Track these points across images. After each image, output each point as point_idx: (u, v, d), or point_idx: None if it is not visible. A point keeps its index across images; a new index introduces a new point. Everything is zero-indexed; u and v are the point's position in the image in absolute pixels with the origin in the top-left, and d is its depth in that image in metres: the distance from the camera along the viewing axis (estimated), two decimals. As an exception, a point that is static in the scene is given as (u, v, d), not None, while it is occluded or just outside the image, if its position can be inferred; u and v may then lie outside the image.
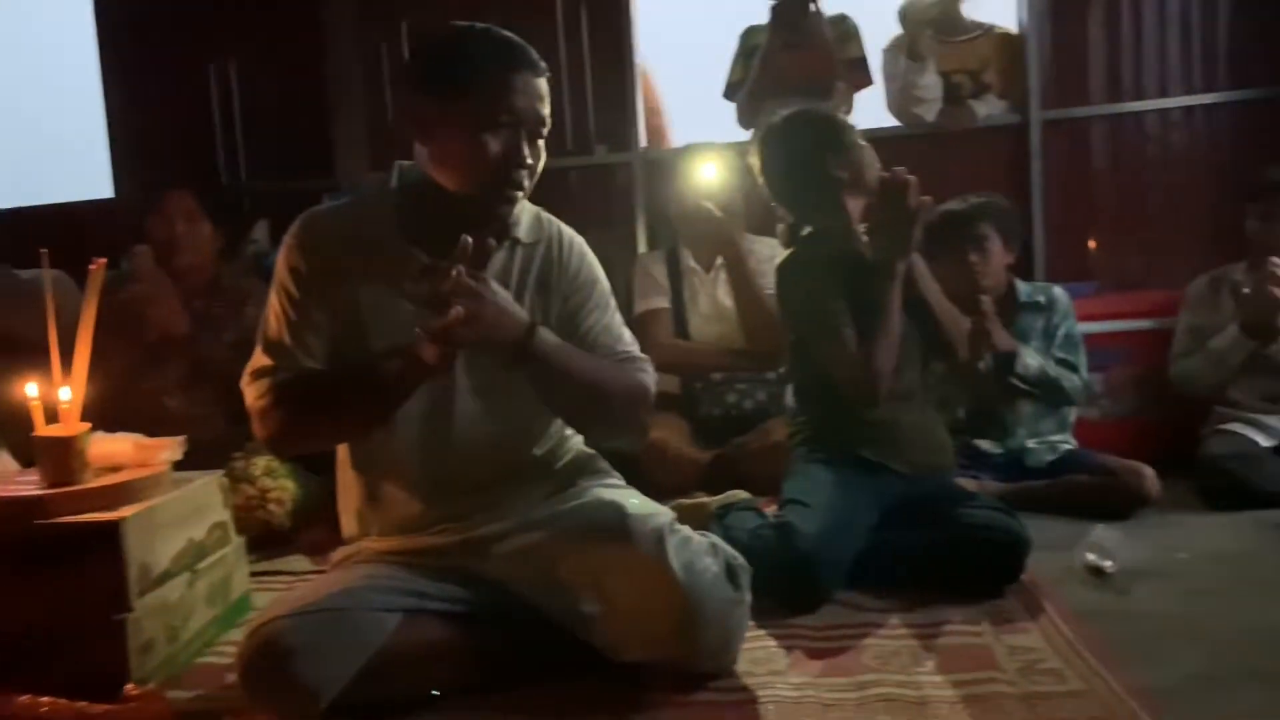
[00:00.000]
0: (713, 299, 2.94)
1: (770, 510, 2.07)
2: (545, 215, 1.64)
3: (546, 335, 1.45)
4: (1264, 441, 2.49)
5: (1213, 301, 2.66)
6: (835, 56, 3.25)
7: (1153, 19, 3.26)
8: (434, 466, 1.55)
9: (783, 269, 2.13)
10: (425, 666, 1.47)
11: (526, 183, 1.48)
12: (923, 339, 2.05)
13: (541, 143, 1.49)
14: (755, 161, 2.12)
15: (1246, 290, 2.47)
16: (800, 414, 2.26)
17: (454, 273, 1.30)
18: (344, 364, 1.48)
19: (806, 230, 2.13)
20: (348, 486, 1.63)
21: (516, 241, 1.57)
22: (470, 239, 1.32)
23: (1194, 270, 2.79)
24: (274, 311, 1.50)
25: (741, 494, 2.25)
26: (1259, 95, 3.18)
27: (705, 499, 2.25)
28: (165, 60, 3.66)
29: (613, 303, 1.66)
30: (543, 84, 1.46)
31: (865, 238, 1.94)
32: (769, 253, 2.85)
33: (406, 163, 1.57)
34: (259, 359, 1.49)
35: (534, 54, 1.47)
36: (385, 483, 1.58)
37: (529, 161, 1.45)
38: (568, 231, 1.65)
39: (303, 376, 1.46)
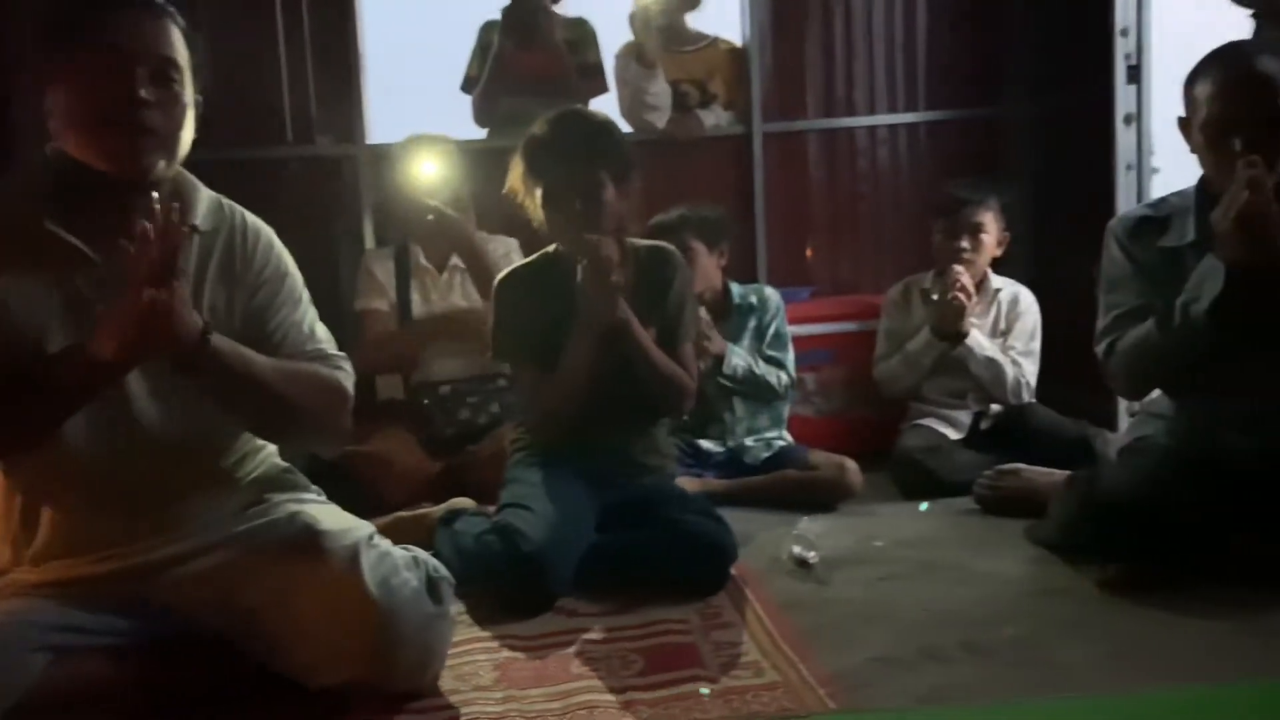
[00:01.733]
0: (446, 300, 2.85)
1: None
2: (227, 202, 1.53)
3: (221, 340, 1.34)
4: (952, 434, 2.74)
5: (906, 307, 2.89)
6: (567, 59, 3.27)
7: (862, 39, 3.51)
8: (102, 482, 1.40)
9: (498, 286, 2.14)
10: (84, 710, 1.33)
11: (156, 124, 1.34)
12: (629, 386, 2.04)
13: (179, 88, 1.37)
14: (515, 163, 2.06)
15: (935, 297, 2.71)
16: (521, 421, 2.26)
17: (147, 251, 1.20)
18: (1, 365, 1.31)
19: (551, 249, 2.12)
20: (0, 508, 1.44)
21: (194, 229, 1.45)
22: (145, 225, 1.22)
23: (900, 276, 3.03)
24: None
25: (466, 502, 2.24)
26: (954, 116, 3.51)
27: (427, 509, 2.20)
28: None
29: (305, 296, 1.57)
30: (155, 21, 1.36)
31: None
32: (504, 250, 2.81)
33: (53, 143, 1.41)
34: None
35: None
36: (44, 502, 1.41)
37: (144, 96, 1.32)
38: (252, 220, 1.55)
39: None
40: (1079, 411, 2.71)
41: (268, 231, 1.55)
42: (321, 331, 1.57)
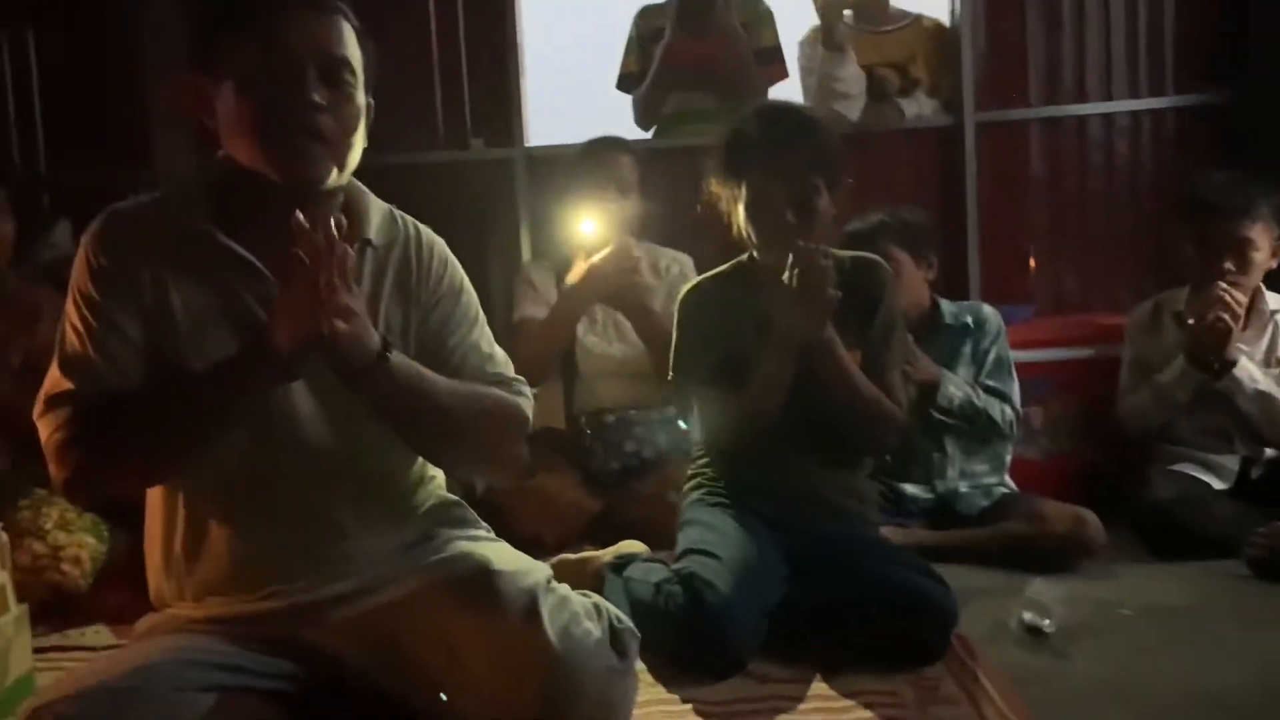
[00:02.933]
0: (612, 317, 2.90)
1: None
2: (399, 213, 1.62)
3: (399, 358, 1.42)
4: (1215, 483, 2.61)
5: (1155, 331, 2.77)
6: (745, 43, 3.30)
7: (1096, 14, 3.41)
8: (265, 511, 1.50)
9: (683, 300, 2.18)
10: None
11: (328, 129, 1.43)
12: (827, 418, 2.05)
13: (353, 90, 1.46)
14: (714, 164, 2.12)
15: (1191, 321, 2.58)
16: (698, 454, 2.28)
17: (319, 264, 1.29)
18: (161, 378, 1.43)
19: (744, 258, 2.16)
20: (157, 539, 1.56)
21: (367, 243, 1.54)
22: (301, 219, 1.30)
23: (1139, 292, 2.91)
24: (71, 323, 1.45)
25: (637, 545, 2.27)
26: (1211, 100, 3.36)
27: (593, 553, 2.25)
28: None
29: (482, 316, 1.65)
30: (328, 18, 1.45)
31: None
32: (677, 269, 2.86)
33: (222, 151, 1.53)
34: (56, 382, 1.43)
35: None
36: (205, 534, 1.51)
37: (317, 100, 1.41)
38: (426, 232, 1.63)
39: (111, 399, 1.40)
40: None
41: (442, 245, 1.64)
42: (499, 353, 1.64)
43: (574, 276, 2.71)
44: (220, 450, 1.43)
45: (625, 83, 3.50)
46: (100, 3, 3.47)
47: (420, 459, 1.62)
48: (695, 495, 2.20)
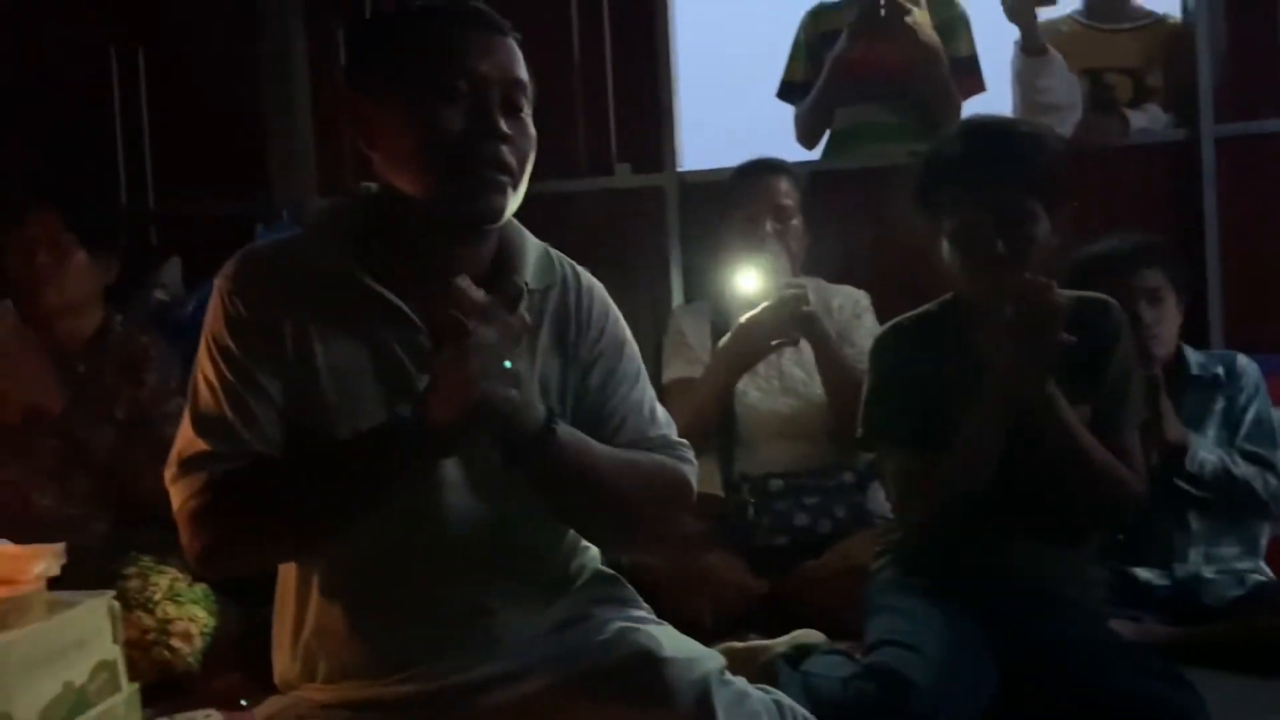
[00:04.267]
0: (777, 368, 2.93)
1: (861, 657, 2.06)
2: (555, 253, 1.67)
3: (565, 430, 1.47)
4: None
5: None
6: (939, 49, 3.29)
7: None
8: (413, 586, 1.55)
9: (877, 344, 2.20)
10: None
11: (511, 161, 1.49)
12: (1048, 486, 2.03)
13: (527, 118, 1.52)
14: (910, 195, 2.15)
15: None
16: (892, 527, 2.27)
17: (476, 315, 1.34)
18: (311, 444, 1.49)
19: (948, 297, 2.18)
20: (288, 616, 1.62)
21: (525, 287, 1.59)
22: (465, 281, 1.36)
23: None
24: (205, 379, 1.51)
25: (815, 635, 2.27)
26: None
27: (763, 642, 2.25)
28: (49, 41, 3.75)
29: (644, 372, 1.69)
30: (508, 42, 1.52)
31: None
32: (851, 308, 2.86)
33: (370, 185, 1.60)
34: (190, 443, 1.49)
35: (492, 13, 1.53)
36: (346, 609, 1.57)
37: (504, 130, 1.47)
38: (586, 276, 1.68)
39: (255, 464, 1.47)
40: None
41: (602, 290, 1.69)
42: (662, 414, 1.68)
43: (728, 338, 2.74)
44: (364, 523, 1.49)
45: (788, 92, 3.53)
46: (217, 24, 3.67)
47: (573, 535, 1.66)
48: (886, 576, 2.19)
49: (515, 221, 1.63)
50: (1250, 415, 2.62)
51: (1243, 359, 2.70)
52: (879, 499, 2.78)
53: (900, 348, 2.17)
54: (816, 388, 2.82)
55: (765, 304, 2.68)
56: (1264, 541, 2.62)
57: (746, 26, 4.10)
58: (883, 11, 3.19)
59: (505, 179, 1.49)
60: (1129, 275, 2.58)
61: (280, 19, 3.60)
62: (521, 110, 1.52)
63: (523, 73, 1.52)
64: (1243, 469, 2.54)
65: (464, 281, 1.37)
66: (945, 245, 2.08)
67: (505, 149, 1.48)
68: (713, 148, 3.70)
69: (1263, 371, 2.73)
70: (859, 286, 3.02)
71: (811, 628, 2.31)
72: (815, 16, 3.49)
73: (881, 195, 3.36)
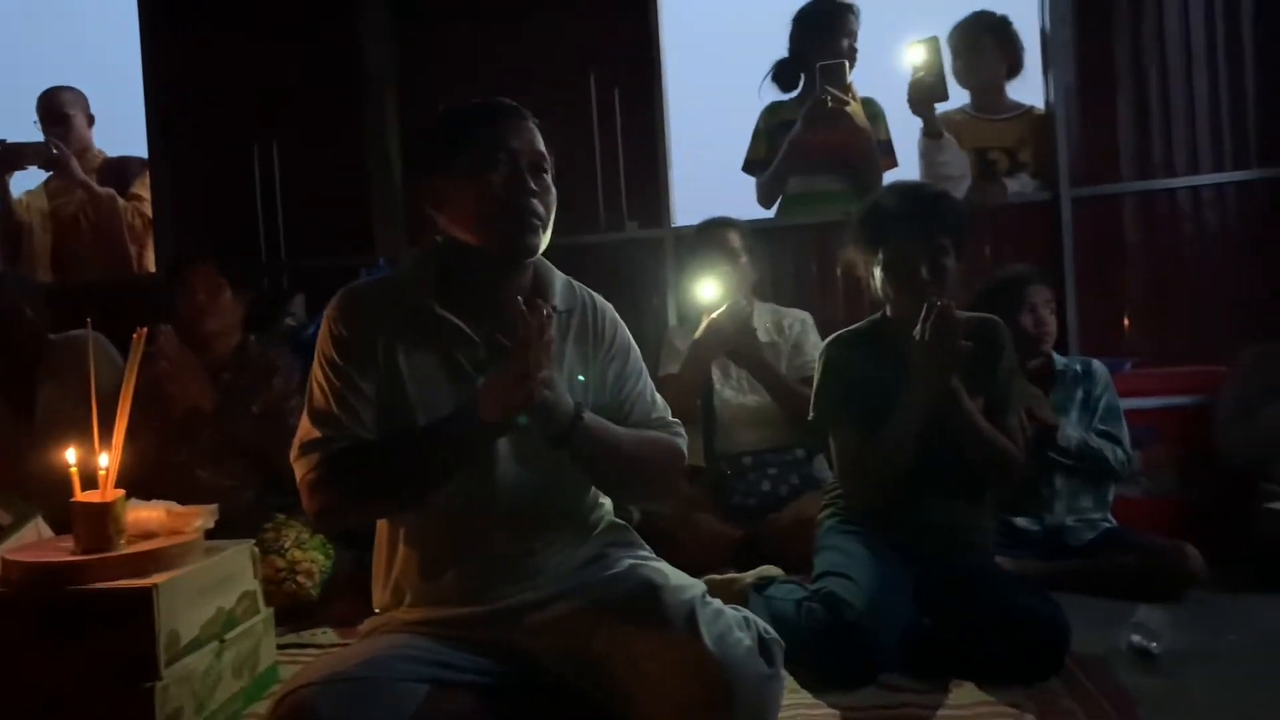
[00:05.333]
0: (739, 375, 2.89)
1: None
2: (576, 283, 1.68)
3: (591, 418, 1.50)
4: (1314, 519, 2.43)
5: (1260, 369, 2.63)
6: (871, 137, 3.29)
7: (1181, 95, 3.29)
8: (474, 534, 1.55)
9: (826, 350, 2.18)
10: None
11: (540, 210, 1.53)
12: (954, 457, 2.02)
13: (549, 179, 1.55)
14: (852, 234, 2.14)
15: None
16: (833, 487, 2.26)
17: (535, 318, 1.38)
18: (398, 431, 1.50)
19: (880, 315, 2.16)
20: (384, 557, 1.63)
21: (554, 310, 1.60)
22: (523, 303, 1.40)
23: (1228, 346, 2.77)
24: (318, 383, 1.53)
25: (775, 569, 2.24)
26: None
27: (736, 575, 2.23)
28: (211, 140, 3.78)
29: (645, 369, 1.70)
30: (531, 125, 1.55)
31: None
32: (799, 327, 2.86)
33: (440, 238, 1.61)
34: (307, 432, 1.50)
35: (518, 106, 1.57)
36: (424, 552, 1.58)
37: (534, 188, 1.51)
38: (598, 298, 1.69)
39: (356, 446, 1.48)
40: None
41: (611, 309, 1.70)
42: (660, 400, 1.69)
43: (698, 333, 2.73)
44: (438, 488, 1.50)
45: (751, 167, 3.51)
46: (331, 121, 3.69)
47: (594, 490, 1.66)
48: (829, 524, 2.17)
49: (545, 260, 1.64)
50: (1103, 404, 2.60)
51: (1096, 362, 2.68)
52: (823, 468, 2.77)
53: (842, 353, 2.16)
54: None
55: (722, 309, 2.67)
56: (1111, 498, 2.59)
57: (724, 113, 4.06)
58: (829, 104, 3.18)
59: (537, 222, 1.53)
60: (1028, 290, 2.60)
61: (381, 121, 3.62)
62: (545, 173, 1.55)
63: (543, 146, 1.56)
64: (1098, 444, 2.53)
65: (517, 306, 1.41)
66: (880, 275, 2.07)
67: (535, 201, 1.52)
68: (699, 208, 3.65)
69: (1109, 371, 2.71)
70: (806, 310, 3.00)
71: (774, 564, 2.30)
72: (772, 109, 3.48)
73: (825, 244, 3.35)
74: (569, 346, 1.61)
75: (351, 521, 1.65)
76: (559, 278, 1.65)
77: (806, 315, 2.94)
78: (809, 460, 2.83)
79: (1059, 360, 2.64)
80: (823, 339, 2.31)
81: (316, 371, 1.54)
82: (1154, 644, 1.87)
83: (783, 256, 3.40)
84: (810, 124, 3.26)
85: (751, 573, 2.22)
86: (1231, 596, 2.26)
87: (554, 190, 1.56)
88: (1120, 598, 2.19)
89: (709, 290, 2.75)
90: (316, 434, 1.49)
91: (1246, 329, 3.01)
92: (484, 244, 1.53)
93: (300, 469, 1.49)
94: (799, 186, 3.45)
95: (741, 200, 3.53)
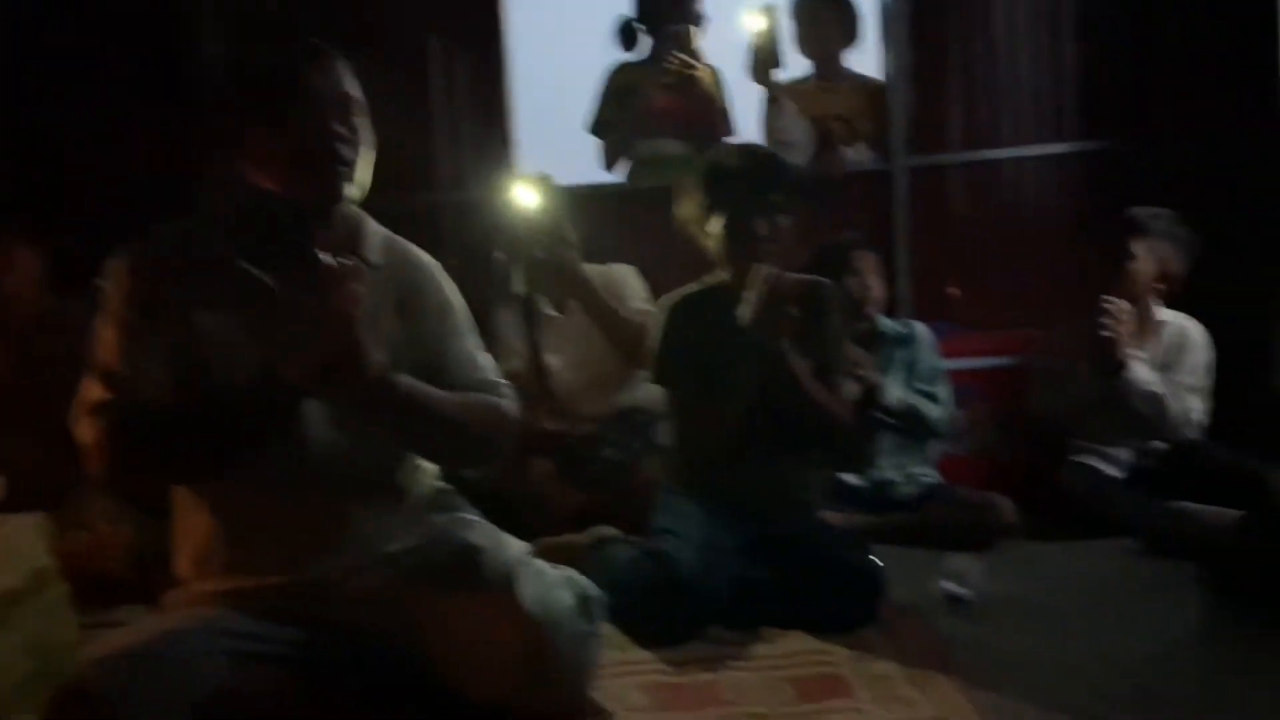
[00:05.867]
0: (575, 343, 2.79)
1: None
2: (394, 236, 1.60)
3: (402, 379, 1.41)
4: (1114, 473, 2.60)
5: (1066, 339, 2.77)
6: (718, 104, 3.29)
7: (1006, 70, 3.42)
8: (283, 500, 1.47)
9: (665, 310, 2.16)
10: (259, 716, 1.39)
11: (347, 154, 1.43)
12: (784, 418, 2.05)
13: (359, 123, 1.46)
14: (690, 194, 2.11)
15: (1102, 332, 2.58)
16: (669, 451, 2.27)
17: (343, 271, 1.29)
18: (193, 393, 1.40)
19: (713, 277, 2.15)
20: (185, 524, 1.53)
21: (367, 263, 1.52)
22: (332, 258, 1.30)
23: (1050, 311, 2.91)
24: (104, 338, 1.42)
25: (612, 530, 2.24)
26: (1105, 146, 3.37)
27: (573, 536, 2.22)
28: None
29: (472, 327, 1.63)
30: (338, 66, 1.45)
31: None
32: (622, 277, 2.79)
33: (243, 185, 1.51)
34: (92, 392, 1.39)
35: (324, 45, 1.46)
36: (229, 519, 1.48)
37: (340, 131, 1.42)
38: (421, 254, 1.62)
39: (146, 409, 1.37)
40: (1254, 448, 2.53)
41: (434, 264, 1.62)
42: (485, 360, 1.62)
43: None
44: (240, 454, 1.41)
45: (598, 128, 3.47)
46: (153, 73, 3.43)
47: (410, 455, 1.59)
48: (667, 485, 2.18)
49: (359, 211, 1.55)
50: (925, 365, 2.70)
51: (920, 325, 2.79)
52: (664, 433, 2.77)
53: (679, 315, 2.15)
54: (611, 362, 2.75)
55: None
56: (934, 455, 2.70)
57: (572, 72, 3.97)
58: (676, 69, 3.17)
59: (343, 168, 1.43)
60: (853, 257, 2.68)
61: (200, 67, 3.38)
62: (354, 115, 1.45)
63: (353, 89, 1.46)
64: (920, 403, 2.63)
65: (324, 256, 1.32)
66: (717, 234, 2.07)
67: (341, 146, 1.42)
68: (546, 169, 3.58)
69: (935, 334, 2.82)
70: (654, 276, 2.97)
71: (618, 528, 2.28)
72: (619, 71, 3.44)
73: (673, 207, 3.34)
74: (386, 304, 1.53)
75: (142, 486, 1.55)
76: (375, 231, 1.57)
77: (630, 268, 2.88)
78: (651, 425, 2.83)
79: (885, 323, 2.73)
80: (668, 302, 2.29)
81: (102, 327, 1.42)
82: (966, 591, 1.96)
83: (630, 219, 3.38)
84: (658, 87, 3.24)
85: (589, 533, 2.22)
86: (1040, 545, 2.40)
87: (367, 135, 1.47)
88: (941, 549, 2.26)
89: (525, 195, 2.64)
90: (102, 395, 1.38)
91: (1063, 294, 3.16)
92: (287, 191, 1.43)
93: (84, 432, 1.38)
94: (647, 150, 3.44)
95: (589, 161, 3.48)
